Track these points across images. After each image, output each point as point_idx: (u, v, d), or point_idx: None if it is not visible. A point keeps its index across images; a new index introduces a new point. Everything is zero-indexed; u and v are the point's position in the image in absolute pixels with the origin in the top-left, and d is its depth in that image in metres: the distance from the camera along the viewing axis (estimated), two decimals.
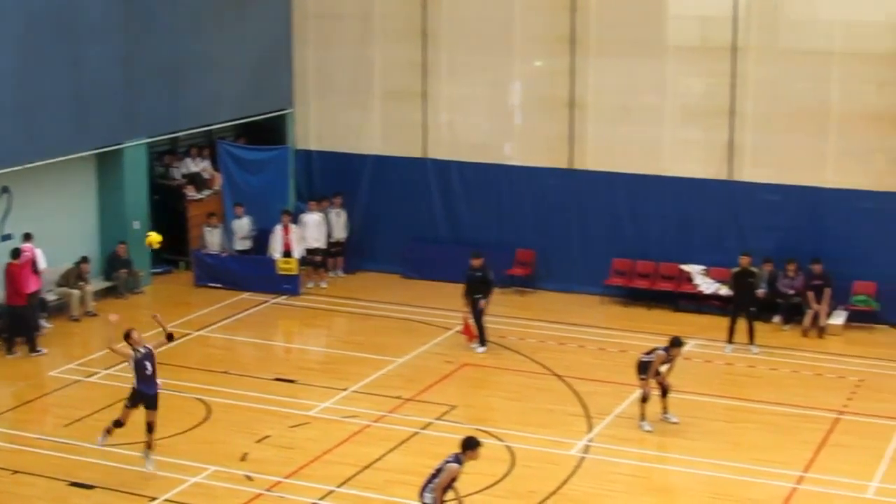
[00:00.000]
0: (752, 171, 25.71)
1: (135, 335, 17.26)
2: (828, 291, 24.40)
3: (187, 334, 23.62)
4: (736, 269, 23.56)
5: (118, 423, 17.32)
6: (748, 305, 23.39)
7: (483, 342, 23.02)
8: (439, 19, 27.49)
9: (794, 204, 25.36)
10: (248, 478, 17.33)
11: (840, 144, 25.08)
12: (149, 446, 17.41)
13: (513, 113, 27.50)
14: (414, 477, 15.68)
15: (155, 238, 19.45)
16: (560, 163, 26.90)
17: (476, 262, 23.17)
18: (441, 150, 27.94)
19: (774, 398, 20.70)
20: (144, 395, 17.26)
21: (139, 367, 17.19)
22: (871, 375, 22.01)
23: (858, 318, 24.79)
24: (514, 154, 27.44)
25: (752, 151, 25.67)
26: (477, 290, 23.00)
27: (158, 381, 17.41)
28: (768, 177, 25.52)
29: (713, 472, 17.74)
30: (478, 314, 23.03)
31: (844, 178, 25.05)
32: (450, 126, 27.91)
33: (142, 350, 17.23)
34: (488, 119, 27.75)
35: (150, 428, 17.33)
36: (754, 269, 23.70)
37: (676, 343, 19.27)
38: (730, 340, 23.27)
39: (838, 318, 24.68)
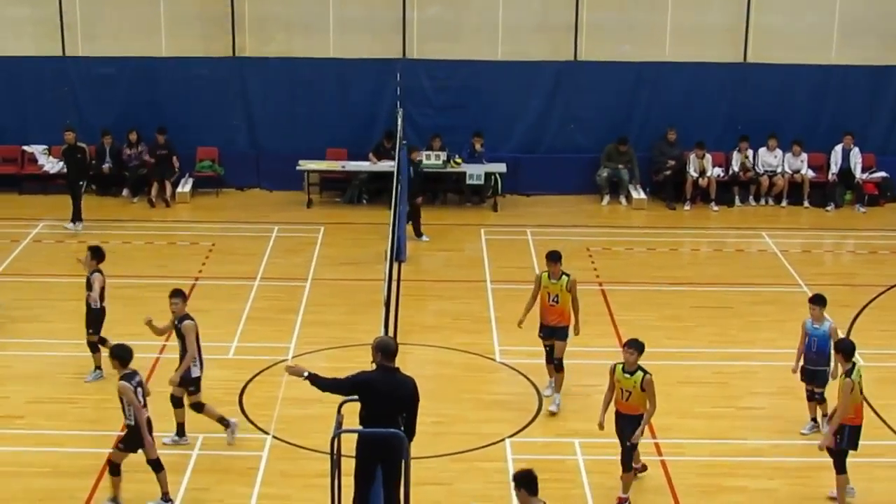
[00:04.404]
0: (85, 46, 25.26)
1: None
2: (174, 160, 24.74)
3: None
4: (63, 147, 23.07)
5: None
6: (78, 180, 22.78)
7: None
8: None
9: (130, 76, 25.24)
10: None
11: (170, 12, 25.23)
12: None
13: None
14: None
15: None
16: None
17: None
18: None
19: (129, 271, 20.32)
20: None
21: None
22: (221, 239, 22.63)
23: (205, 185, 25.38)
24: None
25: (83, 25, 25.20)
26: None
27: None
28: (101, 50, 25.19)
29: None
30: None
31: (178, 46, 25.30)
32: None
33: None
34: None
35: None
36: (82, 145, 23.26)
37: None
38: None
39: (185, 186, 25.10)
